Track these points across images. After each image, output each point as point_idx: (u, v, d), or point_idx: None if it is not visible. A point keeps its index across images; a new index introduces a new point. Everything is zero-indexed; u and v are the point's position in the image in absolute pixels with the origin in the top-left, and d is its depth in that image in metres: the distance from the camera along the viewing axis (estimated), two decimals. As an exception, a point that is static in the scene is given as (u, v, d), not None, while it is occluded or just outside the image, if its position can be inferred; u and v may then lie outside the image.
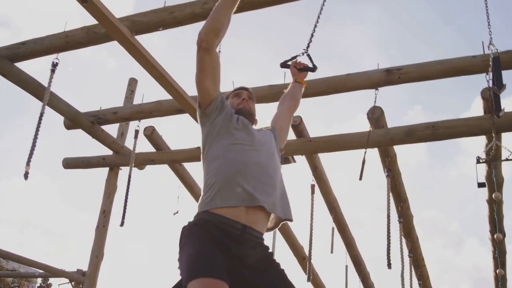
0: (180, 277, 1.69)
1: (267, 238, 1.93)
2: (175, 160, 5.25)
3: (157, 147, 5.24)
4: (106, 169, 5.58)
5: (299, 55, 2.59)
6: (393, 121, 4.30)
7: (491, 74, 2.69)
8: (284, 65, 2.59)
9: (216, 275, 1.57)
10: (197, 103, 2.08)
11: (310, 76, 2.61)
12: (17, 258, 5.97)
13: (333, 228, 5.49)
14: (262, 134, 2.11)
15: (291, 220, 1.96)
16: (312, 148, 4.49)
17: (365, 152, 3.57)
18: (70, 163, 5.63)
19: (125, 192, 4.69)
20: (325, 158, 4.91)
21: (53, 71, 4.03)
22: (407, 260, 5.28)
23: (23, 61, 4.26)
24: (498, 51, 2.71)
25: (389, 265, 3.98)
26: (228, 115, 2.04)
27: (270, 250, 1.91)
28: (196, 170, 5.56)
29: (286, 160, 4.83)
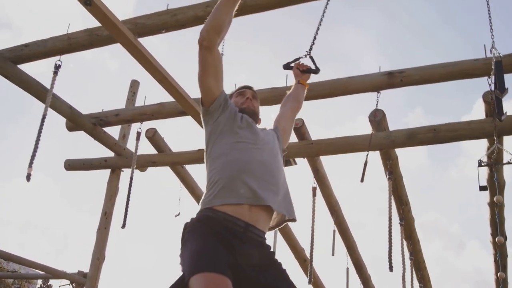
0: (181, 273, 1.67)
1: (268, 240, 1.93)
2: (177, 162, 5.25)
3: (159, 149, 5.24)
4: (108, 171, 5.59)
5: (302, 57, 2.60)
6: (393, 123, 4.31)
7: (493, 77, 2.70)
8: (287, 66, 2.60)
9: (219, 270, 1.57)
10: (200, 101, 2.08)
11: (312, 79, 2.62)
12: (18, 260, 5.98)
13: (334, 231, 5.49)
14: (265, 133, 2.11)
15: (295, 220, 1.96)
16: (314, 151, 4.50)
17: (367, 155, 3.58)
18: (72, 165, 5.64)
19: (127, 194, 4.69)
20: (327, 161, 4.92)
21: (55, 73, 4.03)
22: (408, 263, 5.28)
23: (26, 63, 4.28)
24: (501, 55, 2.72)
25: (390, 268, 3.98)
26: (232, 113, 2.04)
27: (272, 250, 1.91)
28: (197, 172, 5.57)
29: (287, 162, 4.83)
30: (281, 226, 2.04)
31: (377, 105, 3.91)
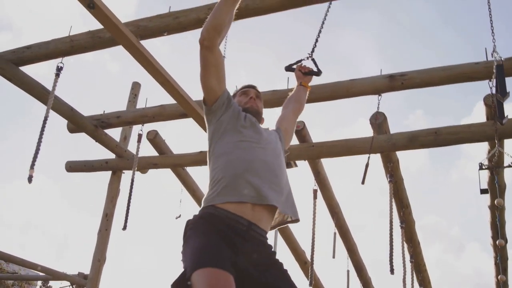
0: (183, 270, 1.66)
1: (269, 241, 1.93)
2: (178, 164, 5.26)
3: (160, 151, 5.25)
4: (109, 173, 5.59)
5: (304, 59, 2.61)
6: (394, 125, 4.30)
7: (494, 81, 2.70)
8: (289, 68, 2.61)
9: (221, 266, 1.56)
10: (202, 101, 2.08)
11: (313, 81, 2.62)
12: (18, 261, 5.98)
13: (335, 233, 5.49)
14: (268, 133, 2.12)
15: (299, 221, 1.97)
16: (315, 153, 4.50)
17: (369, 157, 3.58)
18: (73, 167, 5.64)
19: (128, 195, 4.69)
20: (328, 164, 4.92)
21: (57, 75, 4.02)
22: (408, 265, 5.28)
23: (28, 65, 4.29)
24: (502, 58, 2.73)
25: (392, 271, 3.98)
26: (236, 112, 2.04)
27: (273, 250, 1.90)
28: (198, 174, 5.58)
29: (287, 164, 4.83)
30: (283, 226, 2.03)
31: (378, 107, 3.91)
